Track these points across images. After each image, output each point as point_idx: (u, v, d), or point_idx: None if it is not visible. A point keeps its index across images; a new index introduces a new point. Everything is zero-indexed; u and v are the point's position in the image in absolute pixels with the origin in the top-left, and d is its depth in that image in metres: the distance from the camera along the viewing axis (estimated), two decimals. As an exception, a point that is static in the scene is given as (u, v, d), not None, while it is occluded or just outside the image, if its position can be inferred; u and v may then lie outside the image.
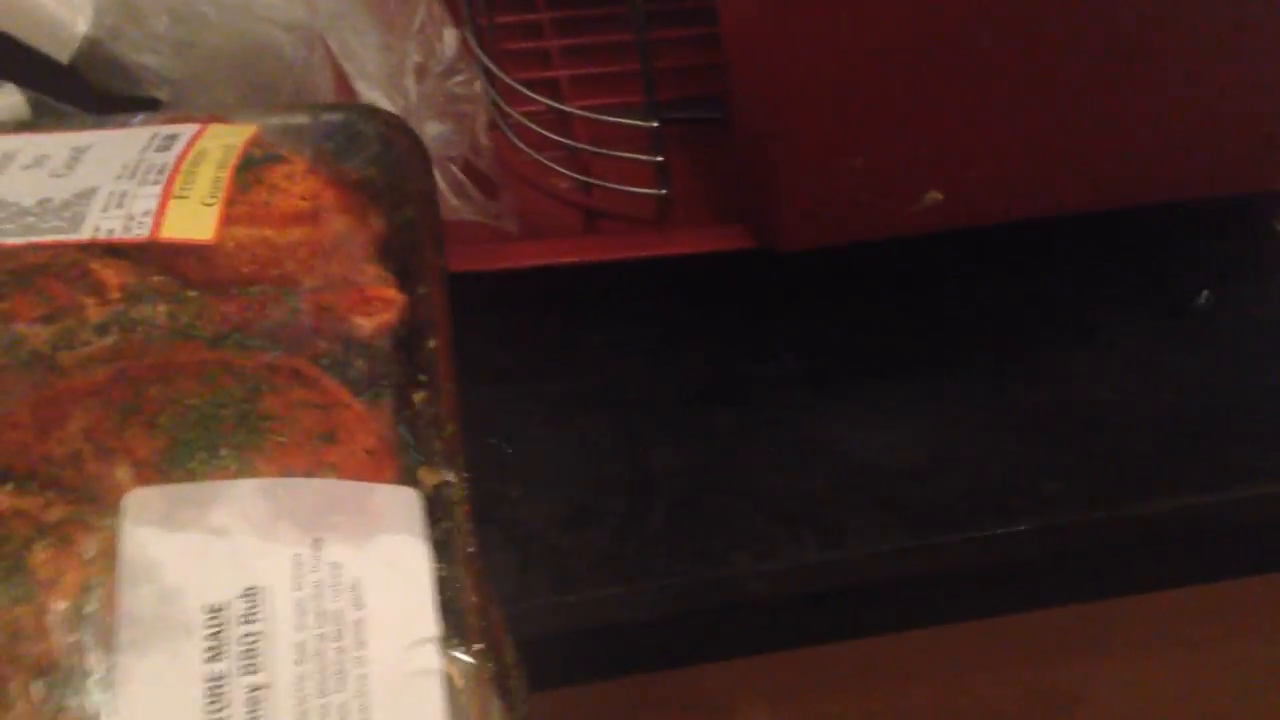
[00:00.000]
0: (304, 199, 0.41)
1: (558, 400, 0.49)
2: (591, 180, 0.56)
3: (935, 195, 0.49)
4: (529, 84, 0.57)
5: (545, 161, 0.56)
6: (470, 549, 0.34)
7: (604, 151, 0.54)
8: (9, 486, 0.32)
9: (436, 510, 0.34)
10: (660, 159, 0.52)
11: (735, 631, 0.46)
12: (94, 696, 0.29)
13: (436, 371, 0.38)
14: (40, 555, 0.30)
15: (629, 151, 0.53)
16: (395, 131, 0.45)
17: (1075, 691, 0.57)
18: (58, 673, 0.29)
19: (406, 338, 0.39)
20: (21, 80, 0.50)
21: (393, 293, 0.39)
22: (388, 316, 0.39)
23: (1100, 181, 0.52)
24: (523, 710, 0.33)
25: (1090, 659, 0.56)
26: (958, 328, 0.53)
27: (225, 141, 0.42)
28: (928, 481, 0.47)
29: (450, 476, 0.35)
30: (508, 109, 0.57)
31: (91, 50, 0.51)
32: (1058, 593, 0.49)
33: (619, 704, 0.49)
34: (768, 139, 0.49)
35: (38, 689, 0.29)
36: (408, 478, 0.35)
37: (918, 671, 0.54)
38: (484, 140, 0.52)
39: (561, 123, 0.59)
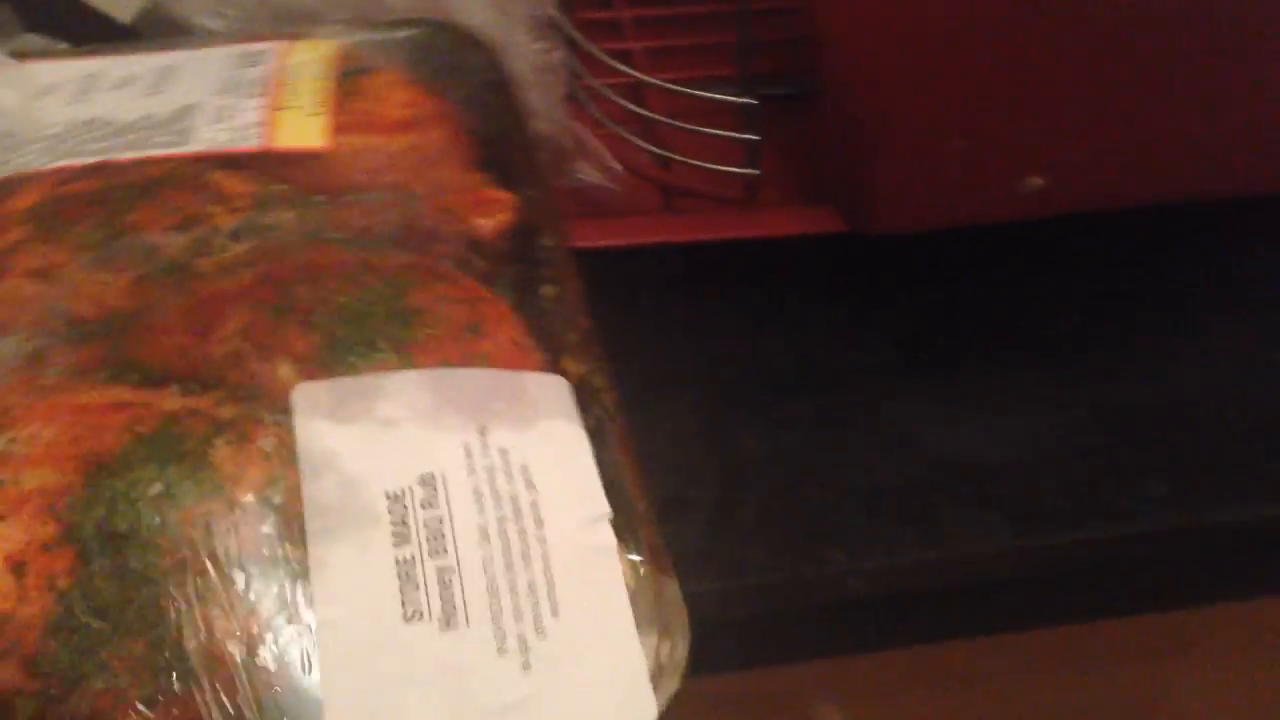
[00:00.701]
0: (405, 107, 0.41)
1: (642, 383, 0.46)
2: (676, 157, 0.53)
3: (1036, 180, 0.48)
4: (587, 56, 0.54)
5: (627, 135, 0.54)
6: (623, 433, 0.34)
7: (698, 129, 0.51)
8: (174, 388, 0.32)
9: (584, 398, 0.35)
10: (757, 137, 0.50)
11: (825, 630, 0.45)
12: (289, 585, 0.29)
13: (559, 268, 0.38)
14: (222, 451, 0.30)
15: (708, 127, 0.51)
16: (469, 45, 0.46)
17: (1154, 697, 0.55)
18: (254, 563, 0.29)
19: (523, 237, 0.40)
20: (78, 39, 0.49)
21: (506, 194, 0.39)
22: (505, 216, 0.39)
23: (1205, 170, 0.51)
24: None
25: (1172, 664, 0.54)
26: (1055, 319, 0.52)
27: (314, 55, 0.42)
28: (1028, 479, 0.45)
29: (593, 365, 0.36)
30: (591, 80, 0.54)
31: (153, 11, 0.50)
32: (1155, 597, 0.48)
33: (695, 702, 0.47)
34: (864, 118, 0.48)
35: (237, 579, 0.29)
36: (553, 368, 0.35)
37: (992, 674, 0.52)
38: (560, 112, 0.50)
39: (635, 98, 0.56)
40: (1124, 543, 0.44)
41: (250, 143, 0.38)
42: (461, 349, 0.34)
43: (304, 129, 0.39)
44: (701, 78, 0.53)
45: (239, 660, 0.28)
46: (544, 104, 0.48)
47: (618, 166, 0.51)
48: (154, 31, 0.52)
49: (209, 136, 0.38)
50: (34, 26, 0.50)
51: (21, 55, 0.44)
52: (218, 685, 0.28)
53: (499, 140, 0.42)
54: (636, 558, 0.32)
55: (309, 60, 0.41)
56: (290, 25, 0.48)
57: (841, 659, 0.45)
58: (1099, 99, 0.47)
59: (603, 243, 0.50)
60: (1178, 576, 0.47)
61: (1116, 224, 0.53)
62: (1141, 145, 0.49)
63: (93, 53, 0.44)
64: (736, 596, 0.41)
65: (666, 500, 0.43)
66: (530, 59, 0.48)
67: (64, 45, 0.50)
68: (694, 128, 0.50)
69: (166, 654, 0.28)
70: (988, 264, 0.53)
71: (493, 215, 0.39)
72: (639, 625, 0.31)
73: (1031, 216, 0.50)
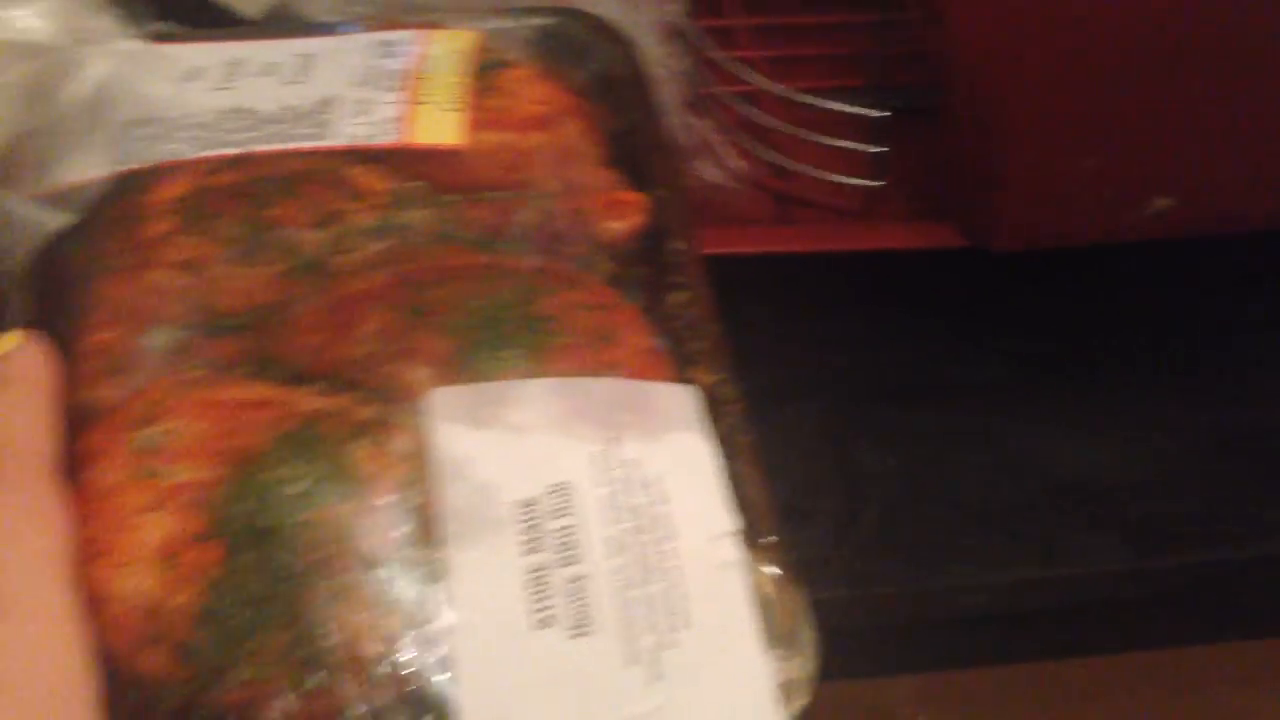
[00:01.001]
0: (540, 103, 0.41)
1: (760, 393, 0.46)
2: (797, 167, 0.53)
3: (1164, 201, 0.47)
4: (708, 64, 0.53)
5: (747, 143, 0.53)
6: (751, 446, 0.35)
7: (824, 139, 0.50)
8: (314, 387, 0.33)
9: (713, 409, 0.35)
10: (884, 149, 0.50)
11: (940, 644, 0.45)
12: (425, 587, 0.30)
13: (689, 273, 0.38)
14: (359, 453, 0.31)
15: (822, 136, 0.50)
16: (606, 36, 0.45)
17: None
18: (388, 565, 0.30)
19: (653, 241, 0.40)
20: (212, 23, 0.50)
21: (638, 195, 0.39)
22: (637, 219, 0.39)
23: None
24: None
25: (1263, 692, 0.54)
26: (1179, 340, 0.51)
27: (452, 47, 0.42)
28: (1147, 501, 0.45)
29: (722, 376, 0.36)
30: (713, 86, 0.54)
31: (280, 9, 0.51)
32: (1272, 623, 0.47)
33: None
34: (993, 134, 0.47)
35: (375, 579, 0.30)
36: (682, 377, 0.35)
37: (1104, 693, 0.52)
38: (681, 118, 0.50)
39: (752, 107, 0.55)
40: (1241, 567, 0.44)
41: (388, 138, 0.39)
42: (593, 357, 0.34)
43: (441, 125, 0.39)
44: (816, 88, 0.53)
45: (377, 658, 0.29)
46: (667, 106, 0.48)
47: (738, 166, 0.51)
48: (275, 19, 0.53)
49: (348, 130, 0.39)
50: (164, 18, 0.52)
51: (161, 37, 0.45)
52: (357, 681, 0.29)
53: (632, 136, 0.42)
54: (765, 573, 0.32)
55: (447, 52, 0.41)
56: (419, 11, 0.49)
57: (953, 673, 0.45)
58: (1232, 120, 0.46)
59: (719, 250, 0.49)
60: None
61: (1244, 247, 0.52)
62: (1272, 168, 0.48)
63: (234, 36, 0.45)
64: (854, 606, 0.42)
65: (786, 510, 0.43)
66: (655, 61, 0.48)
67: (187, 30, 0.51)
68: (820, 138, 0.50)
69: (308, 648, 0.29)
70: (1110, 283, 0.52)
71: (625, 217, 0.39)
72: (767, 640, 0.31)
73: (1156, 237, 0.49)
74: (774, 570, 0.33)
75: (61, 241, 0.37)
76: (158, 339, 0.34)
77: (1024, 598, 0.43)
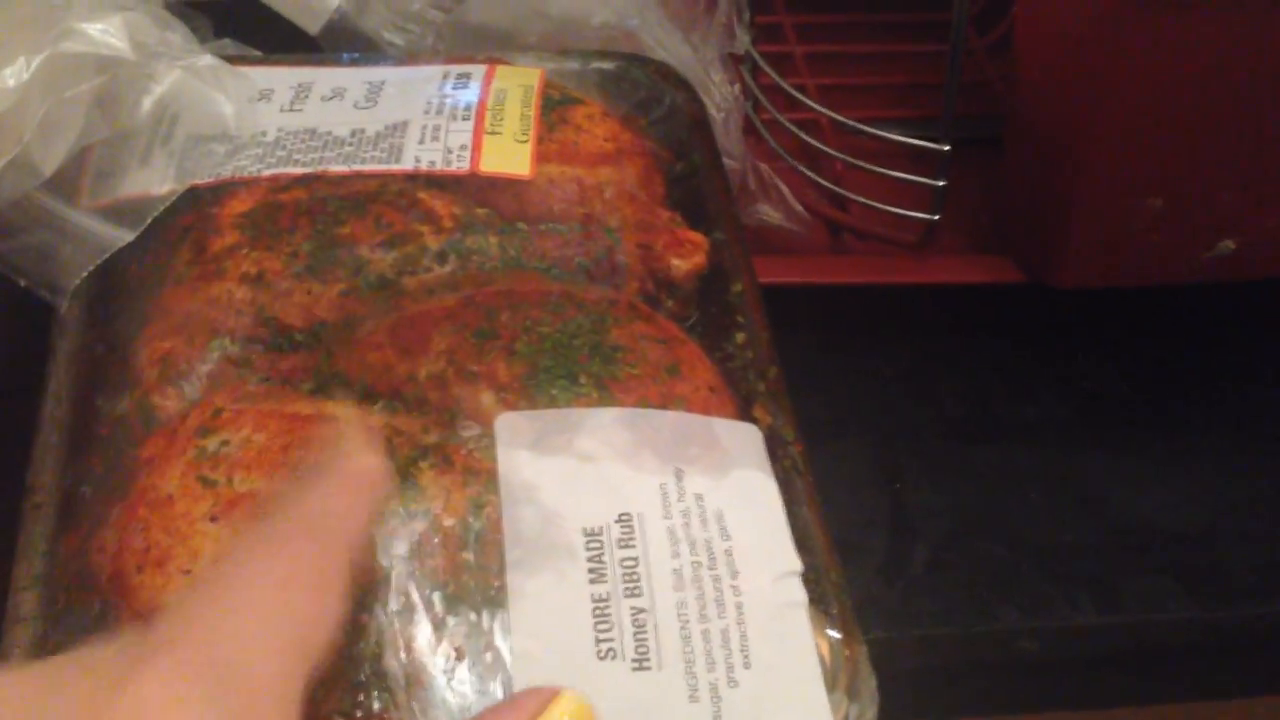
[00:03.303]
0: (607, 140, 0.41)
1: (809, 425, 0.44)
2: (856, 198, 0.51)
3: (1229, 243, 0.47)
4: (767, 90, 0.53)
5: (806, 172, 0.52)
6: (811, 488, 0.34)
7: (884, 171, 0.49)
8: (379, 406, 0.33)
9: (773, 449, 0.35)
10: (943, 183, 0.48)
11: (991, 688, 0.44)
12: (490, 611, 0.29)
13: (750, 314, 0.38)
14: (427, 474, 0.31)
15: (876, 166, 0.50)
16: (669, 80, 0.46)
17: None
18: (454, 586, 0.29)
19: (712, 281, 0.40)
20: (267, 47, 0.51)
21: (700, 236, 0.39)
22: (698, 259, 0.39)
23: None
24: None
25: None
26: (1244, 383, 0.50)
27: (521, 82, 0.42)
28: (1211, 550, 0.44)
29: (782, 417, 0.36)
30: (774, 113, 0.53)
31: (338, 23, 0.51)
32: None
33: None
34: (1059, 169, 0.46)
35: (438, 602, 0.29)
36: (744, 416, 0.35)
37: None
38: (743, 148, 0.50)
39: (810, 134, 0.54)
40: None
41: (458, 165, 0.39)
42: (660, 390, 0.34)
43: (509, 155, 0.39)
44: (874, 117, 0.52)
45: (437, 682, 0.29)
46: (726, 138, 0.48)
47: (799, 208, 0.50)
48: (337, 43, 0.53)
49: (418, 156, 0.39)
50: (226, 33, 0.52)
51: (229, 57, 0.46)
52: (415, 705, 0.28)
53: (694, 178, 0.42)
54: (826, 616, 0.32)
55: (516, 86, 0.41)
56: (480, 47, 0.49)
57: (1003, 718, 0.44)
58: None
59: (771, 280, 0.48)
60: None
61: None
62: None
63: (300, 62, 0.45)
64: (903, 648, 0.41)
65: (837, 545, 0.43)
66: (715, 92, 0.48)
67: (255, 52, 0.51)
68: (880, 170, 0.50)
69: (366, 670, 0.29)
70: (1180, 322, 0.52)
71: (687, 257, 0.39)
72: (828, 685, 0.30)
73: (1220, 280, 0.49)
74: (835, 615, 0.32)
75: (125, 252, 0.37)
76: (220, 351, 0.34)
77: (1079, 644, 0.42)
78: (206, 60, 0.41)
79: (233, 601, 0.24)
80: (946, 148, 0.47)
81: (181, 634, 0.23)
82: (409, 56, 0.46)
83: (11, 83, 0.38)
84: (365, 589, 0.29)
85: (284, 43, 0.52)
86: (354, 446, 0.29)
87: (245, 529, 0.30)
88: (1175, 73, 0.42)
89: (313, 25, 0.52)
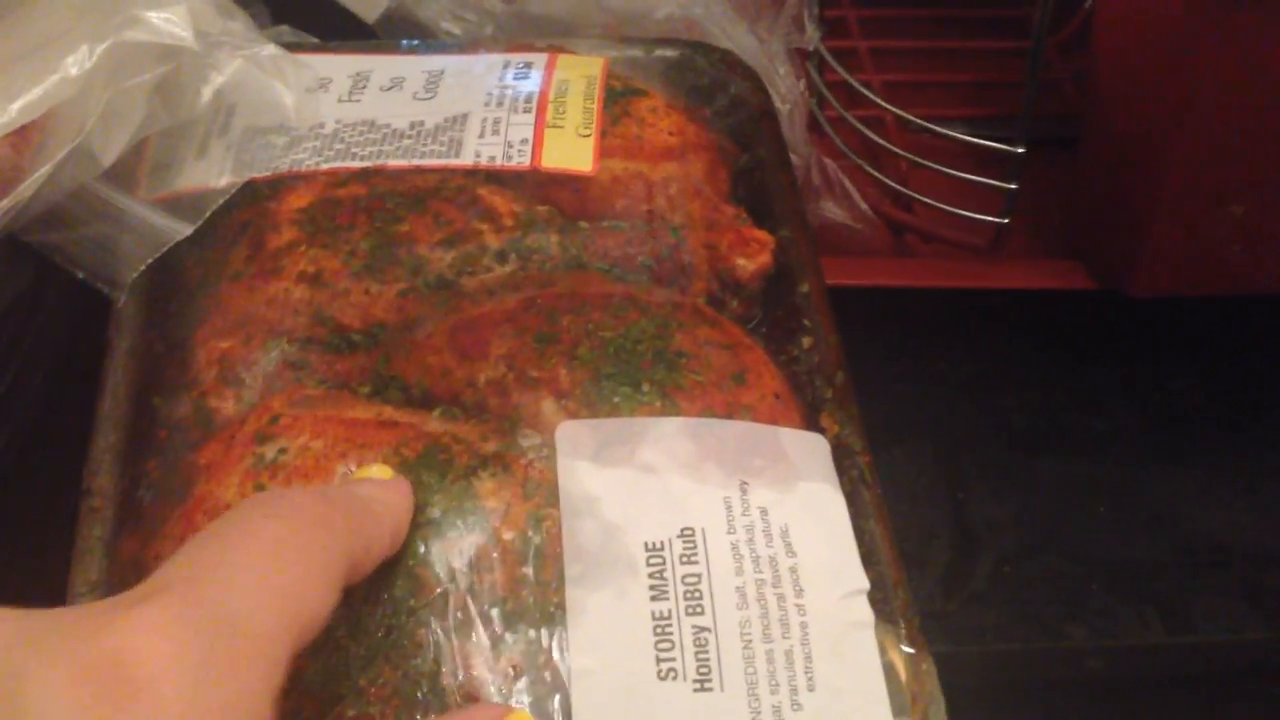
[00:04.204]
0: (671, 134, 0.40)
1: (871, 432, 0.43)
2: (924, 199, 0.50)
3: None
4: (832, 86, 0.52)
5: (870, 171, 0.51)
6: (878, 500, 0.33)
7: (953, 172, 0.48)
8: (437, 411, 0.32)
9: (840, 459, 0.34)
10: (1014, 187, 0.47)
11: (1055, 706, 0.43)
12: (549, 628, 0.29)
13: (817, 317, 0.37)
14: (486, 484, 0.30)
15: (941, 165, 0.48)
16: (734, 69, 0.44)
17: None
18: (513, 601, 0.29)
19: (778, 281, 0.38)
20: (324, 34, 0.50)
21: (767, 235, 0.38)
22: (765, 259, 0.38)
23: None
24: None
25: None
26: None
27: (583, 72, 0.41)
28: None
29: (850, 426, 0.34)
30: (840, 109, 0.52)
31: (395, 10, 0.50)
32: None
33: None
34: (1138, 173, 0.45)
35: (496, 617, 0.29)
36: (810, 425, 0.34)
37: None
38: (808, 145, 0.49)
39: (875, 132, 0.53)
40: None
41: (519, 160, 0.38)
42: (725, 398, 0.33)
43: (572, 150, 0.38)
44: (942, 116, 0.51)
45: (496, 700, 0.28)
46: (791, 134, 0.47)
47: (864, 207, 0.49)
48: (394, 31, 0.53)
49: (479, 150, 0.38)
50: (283, 19, 0.51)
51: (289, 45, 0.45)
52: (471, 725, 0.28)
53: (760, 173, 0.41)
54: (894, 635, 0.31)
55: (578, 78, 0.40)
56: (540, 35, 0.48)
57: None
58: None
59: (835, 281, 0.47)
60: None
61: None
62: None
63: (360, 49, 0.44)
64: (965, 663, 0.40)
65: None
66: (780, 86, 0.47)
67: (313, 39, 0.51)
68: (949, 171, 0.48)
69: (424, 687, 0.28)
70: (1258, 334, 0.50)
71: (754, 256, 0.37)
72: (896, 708, 0.29)
73: None
74: (903, 634, 0.31)
75: (182, 247, 0.37)
76: (278, 350, 0.33)
77: (1148, 664, 0.41)
78: (269, 50, 0.40)
79: (230, 555, 0.24)
80: (1021, 150, 0.45)
81: (175, 580, 0.24)
82: (468, 45, 0.45)
83: (75, 71, 0.37)
84: (401, 597, 0.29)
85: (339, 31, 0.51)
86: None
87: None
88: (1262, 74, 0.40)
89: (370, 13, 0.51)
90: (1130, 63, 0.44)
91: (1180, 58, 0.41)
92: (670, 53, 0.44)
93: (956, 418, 0.47)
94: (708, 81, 0.44)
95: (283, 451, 0.31)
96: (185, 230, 0.36)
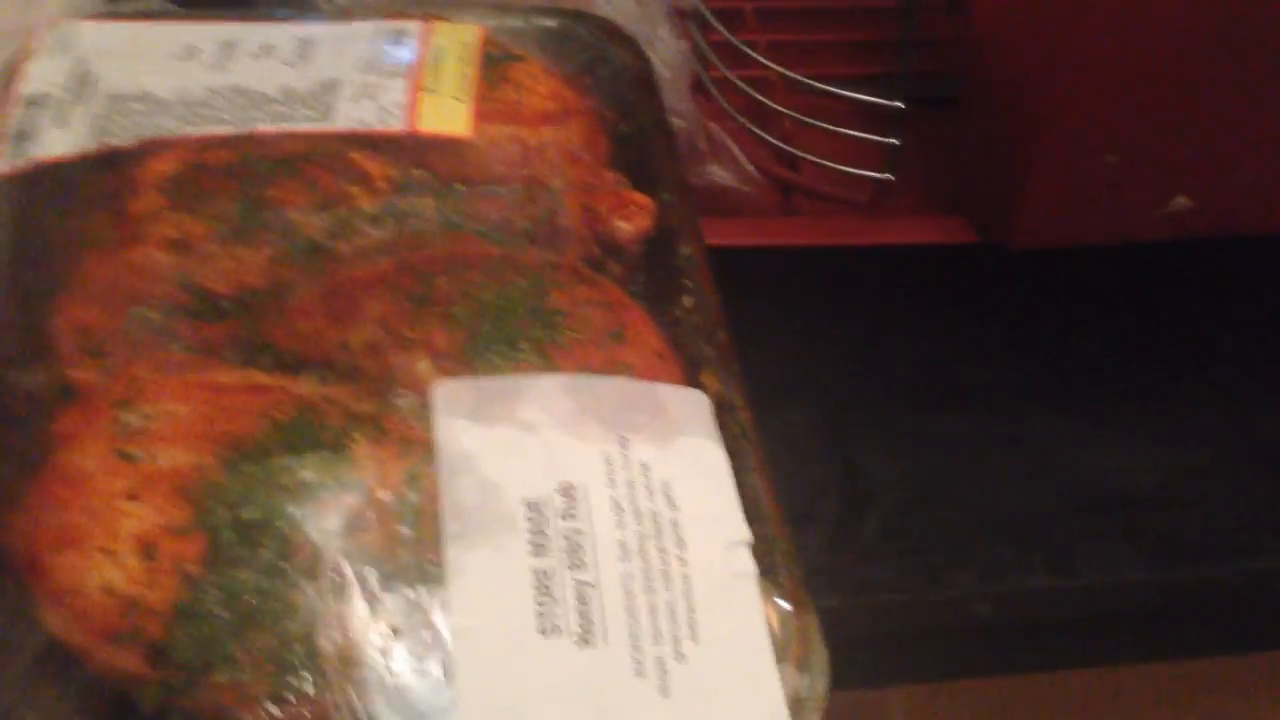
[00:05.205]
0: (550, 99, 0.39)
1: (759, 391, 0.43)
2: (808, 157, 0.50)
3: (1184, 201, 0.46)
4: (716, 47, 0.52)
5: (756, 131, 0.51)
6: (760, 455, 0.33)
7: (837, 129, 0.48)
8: (310, 375, 0.31)
9: (722, 416, 0.34)
10: (897, 142, 0.47)
11: (944, 653, 0.43)
12: (428, 587, 0.28)
13: (697, 278, 0.37)
14: (360, 445, 0.29)
15: (827, 124, 0.48)
16: (614, 37, 0.44)
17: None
18: (390, 562, 0.28)
19: (661, 243, 0.38)
20: (197, 4, 0.49)
21: (646, 198, 0.38)
22: (645, 222, 0.38)
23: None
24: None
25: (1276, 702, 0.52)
26: (1203, 347, 0.49)
27: (460, 39, 0.41)
28: (1165, 512, 0.44)
29: (731, 383, 0.34)
30: (724, 70, 0.52)
31: None
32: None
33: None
34: (1014, 128, 0.46)
35: (372, 578, 0.28)
36: (691, 382, 0.34)
37: (1112, 706, 0.51)
38: (692, 108, 0.48)
39: (759, 92, 0.52)
40: (1262, 582, 0.43)
41: (393, 124, 0.37)
42: (603, 356, 0.33)
43: (448, 114, 0.38)
44: (826, 75, 0.50)
45: (372, 662, 0.27)
46: (675, 97, 0.47)
47: (750, 169, 0.49)
48: (271, 1, 0.52)
49: (352, 115, 0.37)
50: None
51: (151, 15, 0.44)
52: (349, 687, 0.27)
53: (640, 139, 0.41)
54: (776, 587, 0.31)
55: (453, 43, 0.40)
56: (424, 6, 0.48)
57: (956, 683, 0.44)
58: (1258, 121, 0.45)
59: (720, 242, 0.46)
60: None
61: (1268, 249, 0.50)
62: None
63: (227, 17, 0.43)
64: (856, 615, 0.40)
65: (787, 513, 0.41)
66: (663, 50, 0.47)
67: (178, 9, 0.49)
68: (833, 128, 0.48)
69: (297, 650, 0.27)
70: (1129, 284, 0.51)
71: (633, 219, 0.37)
72: (778, 657, 0.30)
73: (1174, 237, 0.48)
74: (785, 586, 0.31)
75: (41, 216, 0.36)
76: (141, 319, 0.32)
77: (1033, 608, 0.42)
78: (125, 20, 0.39)
79: None
80: (901, 105, 0.45)
81: None
82: (344, 13, 0.44)
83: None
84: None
85: (216, 3, 0.50)
86: None
87: None
88: (1133, 27, 0.41)
89: None
90: (1004, 17, 0.45)
91: (1052, 10, 0.42)
92: (549, 22, 0.44)
93: (845, 375, 0.47)
94: (588, 50, 0.43)
95: (146, 417, 0.30)
96: (37, 199, 0.35)
